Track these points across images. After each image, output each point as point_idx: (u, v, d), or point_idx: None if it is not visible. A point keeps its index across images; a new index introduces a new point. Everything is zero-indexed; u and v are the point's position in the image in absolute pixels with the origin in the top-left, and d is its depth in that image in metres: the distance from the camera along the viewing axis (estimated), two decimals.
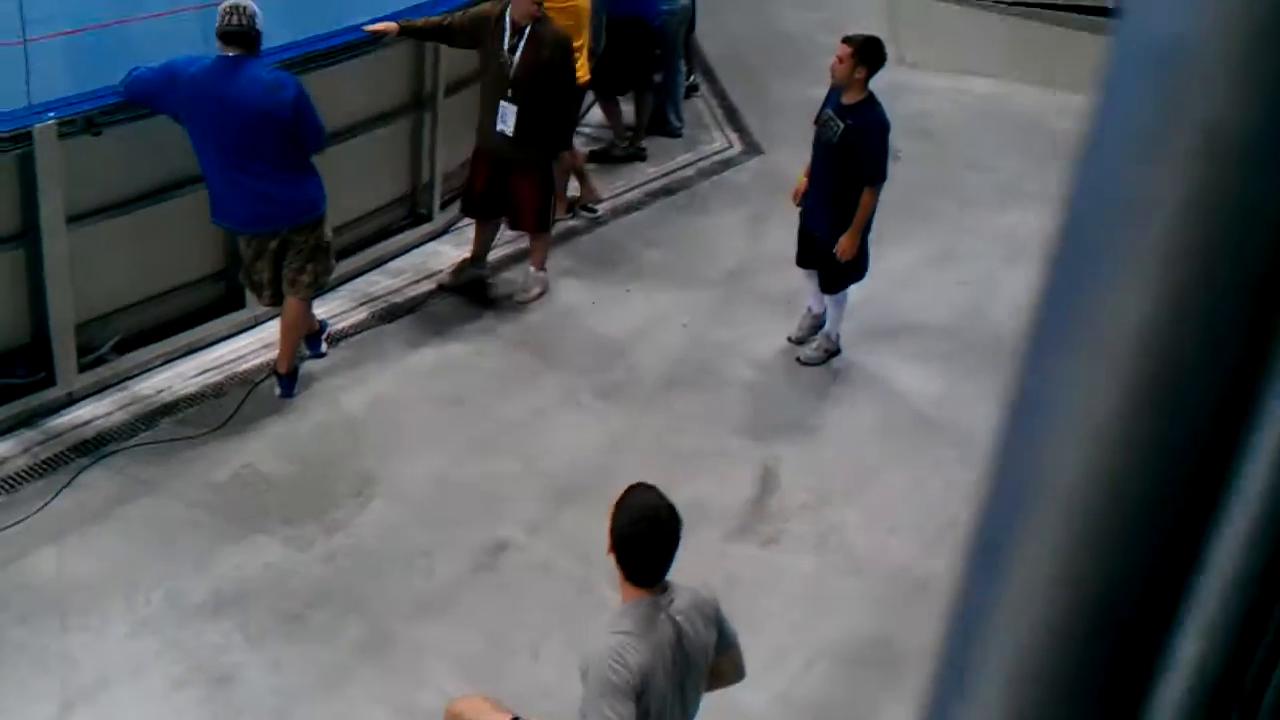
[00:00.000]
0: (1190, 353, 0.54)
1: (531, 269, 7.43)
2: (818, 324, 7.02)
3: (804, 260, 6.91)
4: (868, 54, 6.35)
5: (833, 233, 6.55)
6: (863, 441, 6.36)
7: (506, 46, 6.77)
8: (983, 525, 0.64)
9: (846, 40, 6.42)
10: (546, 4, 6.92)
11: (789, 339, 7.03)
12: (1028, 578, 0.59)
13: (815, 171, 6.68)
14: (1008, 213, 8.96)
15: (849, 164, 6.43)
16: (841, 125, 6.40)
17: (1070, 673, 0.58)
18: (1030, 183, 9.47)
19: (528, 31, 6.72)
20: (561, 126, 7.16)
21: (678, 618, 3.47)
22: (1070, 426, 0.58)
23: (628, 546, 3.46)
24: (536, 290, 7.39)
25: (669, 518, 3.48)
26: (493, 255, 7.49)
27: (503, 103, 6.83)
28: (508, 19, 6.75)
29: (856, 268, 6.76)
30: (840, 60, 6.37)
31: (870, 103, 6.43)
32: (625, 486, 5.66)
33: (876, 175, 6.45)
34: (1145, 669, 0.59)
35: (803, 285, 7.04)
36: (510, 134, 6.85)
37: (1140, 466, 0.56)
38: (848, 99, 6.42)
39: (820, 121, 6.59)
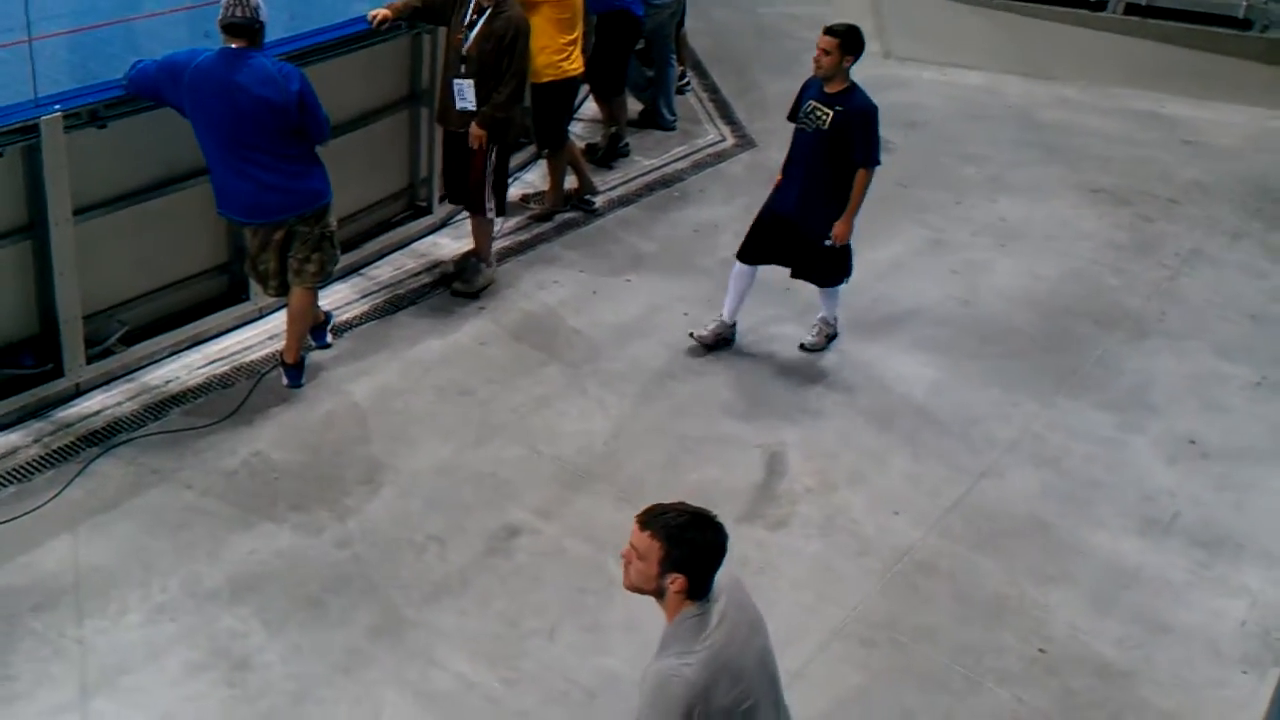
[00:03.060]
0: None
1: (474, 258, 7.29)
2: (727, 334, 6.92)
3: (763, 255, 6.77)
4: (851, 42, 6.39)
5: (826, 224, 6.57)
6: (863, 428, 6.42)
7: (466, 23, 6.84)
8: None
9: (829, 31, 6.41)
10: None
11: (691, 335, 6.89)
12: None
13: (799, 167, 6.61)
14: (999, 202, 9.06)
15: (841, 151, 6.45)
16: (830, 112, 6.43)
17: None
18: (1021, 172, 9.58)
19: (488, 12, 6.79)
20: (505, 111, 6.88)
21: (725, 612, 3.30)
22: None
23: (705, 557, 3.25)
24: (478, 283, 7.20)
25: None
26: (495, 246, 7.49)
27: (456, 80, 6.89)
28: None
29: (848, 259, 6.81)
30: (826, 52, 6.37)
31: (855, 88, 6.47)
32: (634, 474, 5.78)
33: (871, 158, 6.48)
34: None
35: (734, 285, 6.84)
36: (473, 109, 6.88)
37: None
38: (831, 88, 6.45)
39: (802, 115, 6.57)
